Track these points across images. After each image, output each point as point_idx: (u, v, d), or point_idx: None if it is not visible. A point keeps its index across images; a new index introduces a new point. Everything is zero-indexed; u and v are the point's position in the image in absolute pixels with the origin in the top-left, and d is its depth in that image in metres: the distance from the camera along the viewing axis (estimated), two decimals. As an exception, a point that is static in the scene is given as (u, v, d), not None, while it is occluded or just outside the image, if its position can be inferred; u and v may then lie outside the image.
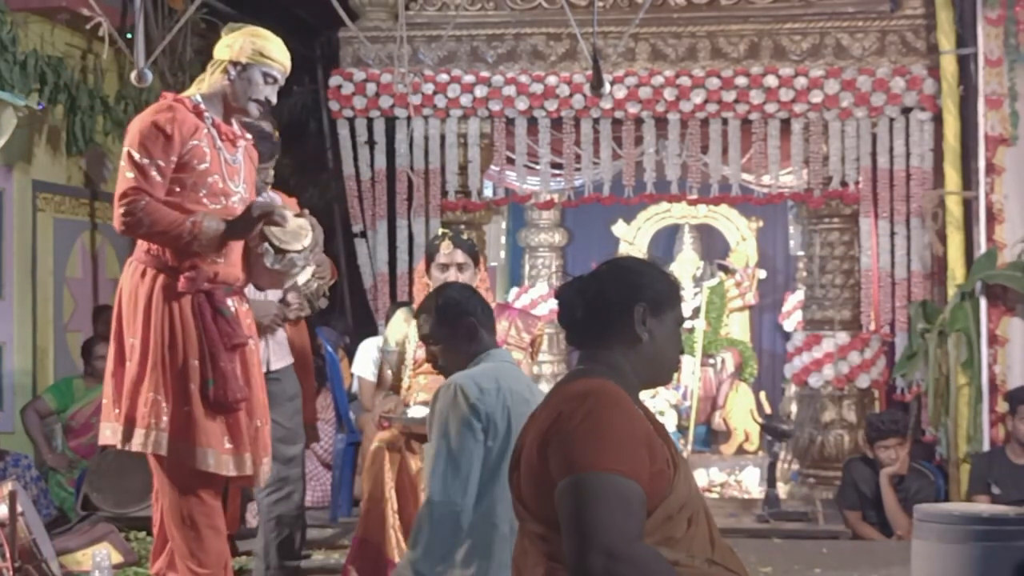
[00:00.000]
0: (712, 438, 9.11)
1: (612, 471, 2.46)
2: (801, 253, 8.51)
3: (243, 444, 4.13)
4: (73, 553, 5.45)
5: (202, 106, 4.19)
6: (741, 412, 8.87)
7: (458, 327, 3.88)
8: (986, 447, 7.05)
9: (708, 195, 7.88)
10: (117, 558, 5.41)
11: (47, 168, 7.51)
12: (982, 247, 7.20)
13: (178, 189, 4.09)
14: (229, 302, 4.19)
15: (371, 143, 8.04)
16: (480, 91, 7.84)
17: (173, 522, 4.14)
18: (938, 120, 7.45)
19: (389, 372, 5.00)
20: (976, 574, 4.24)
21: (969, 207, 7.35)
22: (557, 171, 7.93)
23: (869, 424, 6.93)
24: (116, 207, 4.05)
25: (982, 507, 5.39)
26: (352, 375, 7.35)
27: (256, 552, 5.14)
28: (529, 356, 5.01)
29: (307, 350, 5.52)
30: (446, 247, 4.89)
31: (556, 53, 7.91)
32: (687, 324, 8.72)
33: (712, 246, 9.53)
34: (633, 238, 9.47)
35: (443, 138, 7.97)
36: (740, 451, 8.82)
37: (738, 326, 9.47)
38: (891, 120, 7.59)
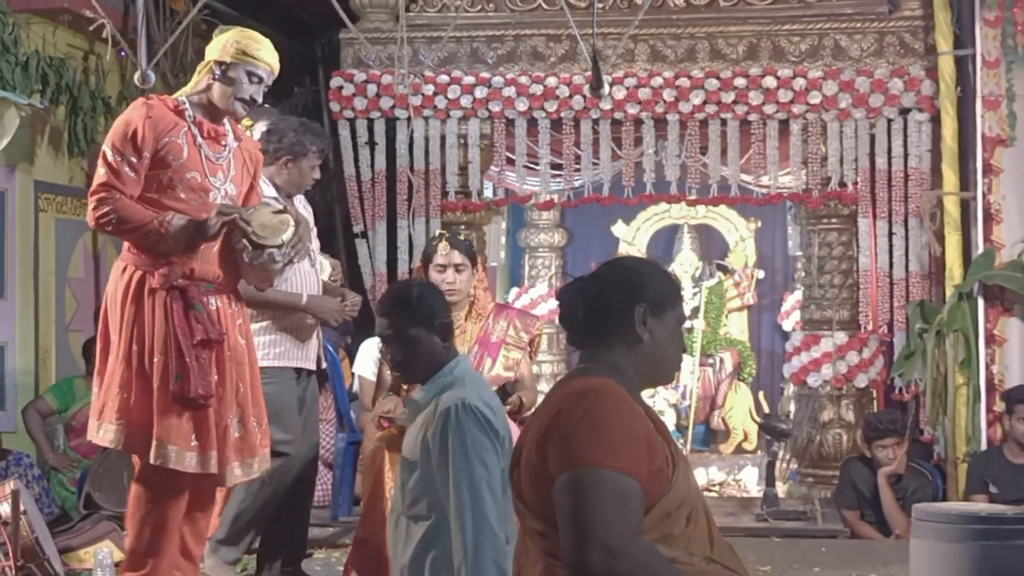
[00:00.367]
0: (711, 437, 9.12)
1: (610, 468, 2.48)
2: (799, 253, 8.52)
3: (210, 442, 4.13)
4: (75, 551, 5.48)
5: (183, 104, 4.24)
6: (740, 412, 8.90)
7: (432, 327, 3.60)
8: (984, 446, 7.07)
9: (707, 195, 7.89)
10: (119, 556, 5.42)
11: (49, 169, 7.53)
12: (980, 247, 7.22)
13: (155, 186, 4.14)
14: (213, 300, 4.21)
15: (371, 144, 8.06)
16: (480, 92, 7.86)
17: (131, 517, 4.20)
18: (936, 121, 7.46)
19: (389, 372, 5.03)
20: (974, 573, 4.25)
21: (967, 208, 7.36)
22: (557, 172, 7.95)
23: (867, 424, 6.95)
24: (89, 204, 4.12)
25: (980, 506, 5.43)
26: (353, 374, 7.38)
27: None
28: (528, 356, 5.04)
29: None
30: (443, 248, 4.91)
31: (556, 54, 7.93)
32: (686, 324, 8.73)
33: (711, 246, 9.54)
34: (633, 238, 9.48)
35: (443, 139, 7.99)
36: (739, 450, 8.84)
37: (737, 326, 9.49)
38: (889, 121, 7.60)
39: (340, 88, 8.00)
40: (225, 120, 4.35)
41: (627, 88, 7.69)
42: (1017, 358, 7.15)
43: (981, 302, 7.14)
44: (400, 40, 6.89)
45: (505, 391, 4.71)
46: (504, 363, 4.95)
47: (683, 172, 7.80)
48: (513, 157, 7.93)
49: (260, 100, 4.37)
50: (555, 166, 7.93)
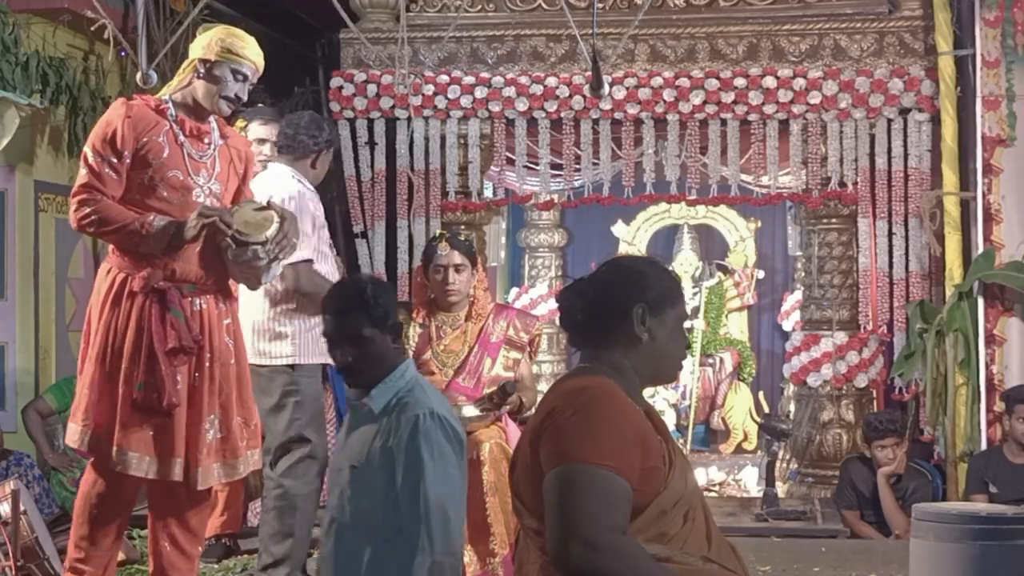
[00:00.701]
0: (711, 437, 9.14)
1: (599, 465, 2.49)
2: (799, 253, 8.53)
3: (174, 448, 4.11)
4: (75, 551, 5.47)
5: (165, 103, 4.23)
6: (740, 412, 8.91)
7: (385, 327, 3.40)
8: (983, 446, 7.07)
9: (707, 196, 7.89)
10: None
11: (49, 169, 7.52)
12: (980, 247, 7.22)
13: (137, 186, 4.14)
14: (198, 301, 4.20)
15: (371, 144, 8.06)
16: (480, 92, 7.86)
17: (77, 507, 4.22)
18: (936, 121, 7.47)
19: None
20: (974, 573, 4.25)
21: (967, 207, 7.37)
22: (557, 172, 7.96)
23: (867, 423, 6.95)
24: (71, 205, 4.13)
25: (980, 506, 5.43)
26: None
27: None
28: (528, 356, 5.04)
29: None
30: (443, 248, 4.91)
31: (556, 54, 7.93)
32: (686, 324, 8.74)
33: (711, 246, 9.56)
34: (633, 238, 9.50)
35: (443, 139, 8.00)
36: (739, 450, 8.85)
37: (737, 326, 9.50)
38: (889, 121, 7.60)
39: (340, 88, 8.01)
40: (211, 118, 4.34)
41: (627, 88, 7.69)
42: (1017, 358, 7.16)
43: (981, 302, 7.15)
44: (400, 40, 6.89)
45: (505, 391, 4.71)
46: (504, 363, 4.95)
47: (683, 172, 7.80)
48: (513, 157, 7.93)
49: (245, 98, 4.36)
50: (555, 166, 7.94)
